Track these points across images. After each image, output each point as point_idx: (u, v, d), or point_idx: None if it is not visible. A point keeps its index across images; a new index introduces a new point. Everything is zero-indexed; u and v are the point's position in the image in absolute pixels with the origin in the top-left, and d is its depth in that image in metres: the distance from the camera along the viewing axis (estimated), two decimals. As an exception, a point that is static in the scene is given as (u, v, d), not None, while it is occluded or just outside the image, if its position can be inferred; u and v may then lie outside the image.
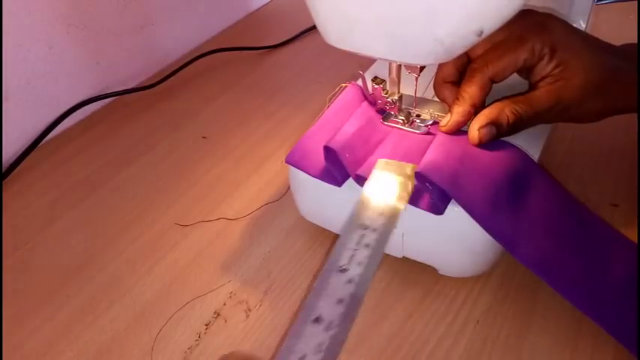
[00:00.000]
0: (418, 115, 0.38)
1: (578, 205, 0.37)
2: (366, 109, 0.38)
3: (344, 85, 0.40)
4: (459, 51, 0.29)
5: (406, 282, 0.38)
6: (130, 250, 0.43)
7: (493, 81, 0.34)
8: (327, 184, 0.35)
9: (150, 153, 0.53)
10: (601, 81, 0.34)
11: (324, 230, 0.42)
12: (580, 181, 0.44)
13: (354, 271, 0.27)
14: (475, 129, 0.34)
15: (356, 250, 0.28)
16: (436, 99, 0.40)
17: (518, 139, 0.36)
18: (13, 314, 0.38)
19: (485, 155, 0.34)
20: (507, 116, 0.34)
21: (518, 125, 0.34)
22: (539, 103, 0.34)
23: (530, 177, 0.35)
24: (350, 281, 0.27)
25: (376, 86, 0.37)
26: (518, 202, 0.33)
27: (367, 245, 0.28)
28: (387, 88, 0.37)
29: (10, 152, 0.53)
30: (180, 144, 0.54)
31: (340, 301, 0.26)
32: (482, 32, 0.28)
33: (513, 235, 0.31)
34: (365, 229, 0.29)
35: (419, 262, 0.37)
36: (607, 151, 0.47)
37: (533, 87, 0.35)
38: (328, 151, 0.34)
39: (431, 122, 0.37)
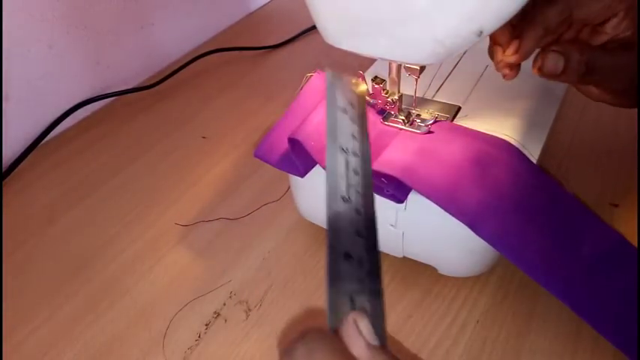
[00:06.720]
0: (418, 115, 0.38)
1: (551, 181, 0.35)
2: None
3: (309, 75, 0.39)
4: (460, 50, 0.29)
5: (406, 282, 0.38)
6: (130, 249, 0.43)
7: (571, 14, 0.32)
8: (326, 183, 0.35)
9: (150, 153, 0.53)
10: None
11: (324, 230, 0.42)
12: (580, 181, 0.44)
13: (357, 200, 0.25)
14: (543, 55, 0.31)
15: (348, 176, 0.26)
16: (436, 99, 0.40)
17: (518, 139, 0.36)
18: (13, 314, 0.38)
19: (445, 146, 0.35)
20: (580, 53, 0.31)
21: (589, 68, 0.31)
22: (616, 56, 0.32)
23: (498, 157, 0.34)
24: (358, 212, 0.25)
25: (376, 86, 0.37)
26: (485, 182, 0.32)
27: (356, 172, 0.26)
28: (387, 88, 0.37)
29: (10, 152, 0.53)
30: (180, 144, 0.54)
31: (358, 232, 0.25)
32: (481, 32, 0.28)
33: (476, 214, 0.31)
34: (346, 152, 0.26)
35: (419, 262, 0.37)
36: (607, 151, 0.47)
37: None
38: (293, 142, 0.34)
39: (431, 122, 0.37)
